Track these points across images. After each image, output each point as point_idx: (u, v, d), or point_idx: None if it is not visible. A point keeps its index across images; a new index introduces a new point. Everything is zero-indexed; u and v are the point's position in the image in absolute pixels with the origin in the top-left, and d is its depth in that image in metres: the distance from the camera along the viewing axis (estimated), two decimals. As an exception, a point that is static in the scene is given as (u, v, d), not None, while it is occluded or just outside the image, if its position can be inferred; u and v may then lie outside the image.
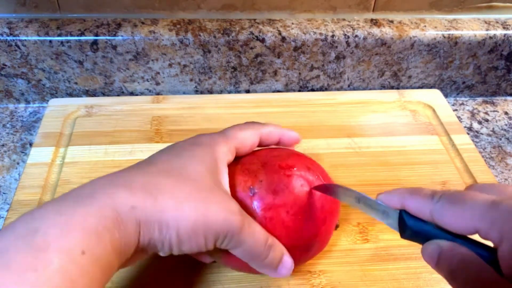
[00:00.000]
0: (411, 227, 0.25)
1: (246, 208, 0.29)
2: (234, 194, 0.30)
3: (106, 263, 0.22)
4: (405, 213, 0.25)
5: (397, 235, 0.37)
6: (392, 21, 0.53)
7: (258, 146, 0.33)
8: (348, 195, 0.29)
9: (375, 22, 0.52)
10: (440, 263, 0.23)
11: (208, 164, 0.28)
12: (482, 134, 0.52)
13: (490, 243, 0.22)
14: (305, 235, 0.31)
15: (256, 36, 0.50)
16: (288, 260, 0.29)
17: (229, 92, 0.55)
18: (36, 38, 0.48)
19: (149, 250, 0.25)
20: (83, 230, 0.21)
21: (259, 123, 0.34)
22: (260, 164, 0.31)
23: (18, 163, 0.46)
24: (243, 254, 0.28)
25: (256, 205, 0.29)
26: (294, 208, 0.30)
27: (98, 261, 0.22)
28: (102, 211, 0.22)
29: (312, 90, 0.56)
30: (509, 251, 0.21)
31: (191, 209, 0.25)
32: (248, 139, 0.32)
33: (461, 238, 0.23)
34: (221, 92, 0.55)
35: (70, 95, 0.53)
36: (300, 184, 0.30)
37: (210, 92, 0.55)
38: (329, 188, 0.31)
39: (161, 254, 0.26)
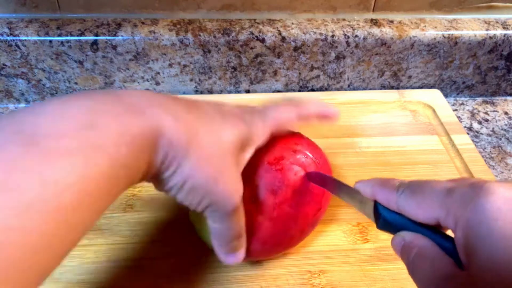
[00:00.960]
0: (384, 217, 0.25)
1: (251, 211, 0.31)
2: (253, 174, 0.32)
3: (132, 176, 0.23)
4: (379, 204, 0.26)
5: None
6: (392, 21, 0.53)
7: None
8: (330, 183, 0.30)
9: (375, 22, 0.52)
10: (402, 255, 0.24)
11: (241, 141, 0.28)
12: (482, 134, 0.53)
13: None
14: (310, 214, 0.33)
15: (256, 36, 0.50)
16: (240, 255, 0.31)
17: (229, 92, 0.55)
18: (36, 38, 0.48)
19: (155, 180, 0.26)
20: (131, 143, 0.22)
21: (297, 103, 0.34)
22: (253, 166, 0.32)
23: (18, 163, 0.46)
24: (217, 228, 0.29)
25: (260, 209, 0.31)
26: (295, 199, 0.32)
27: (129, 173, 0.23)
28: (149, 130, 0.23)
29: (312, 90, 0.56)
30: (463, 237, 0.21)
31: (206, 170, 0.26)
32: (284, 122, 0.33)
33: (430, 230, 0.23)
34: (221, 92, 0.55)
35: (70, 95, 0.53)
36: (293, 173, 0.32)
37: (210, 92, 0.55)
38: (313, 177, 0.32)
39: (158, 189, 0.27)
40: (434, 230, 0.23)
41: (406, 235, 0.24)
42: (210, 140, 0.26)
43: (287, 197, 0.31)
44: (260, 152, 0.32)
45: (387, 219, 0.25)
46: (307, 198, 0.32)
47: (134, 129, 0.23)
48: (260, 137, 0.30)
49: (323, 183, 0.32)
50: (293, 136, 0.34)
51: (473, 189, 0.21)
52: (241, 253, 0.31)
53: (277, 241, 0.33)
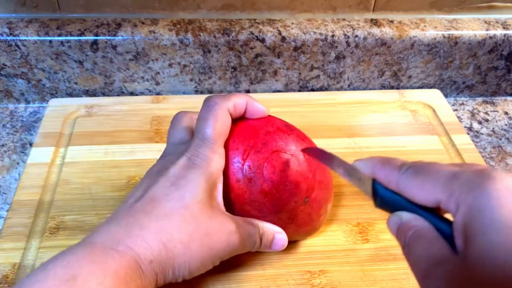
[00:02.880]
0: (382, 195, 0.25)
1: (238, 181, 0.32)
2: (227, 168, 0.32)
3: None
4: (377, 183, 0.25)
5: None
6: (392, 21, 0.53)
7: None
8: (329, 159, 0.29)
9: (375, 22, 0.52)
10: (398, 235, 0.24)
11: (205, 186, 0.30)
12: (482, 134, 0.52)
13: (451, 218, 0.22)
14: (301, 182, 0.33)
15: (256, 36, 0.50)
16: (279, 238, 0.33)
17: (229, 92, 0.55)
18: (36, 38, 0.48)
19: (164, 284, 0.29)
20: (116, 278, 0.25)
21: (231, 95, 0.34)
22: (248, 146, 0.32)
23: (18, 163, 0.46)
24: (241, 252, 0.31)
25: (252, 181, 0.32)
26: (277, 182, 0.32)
27: None
28: (128, 263, 0.26)
29: (312, 90, 0.56)
30: (463, 221, 0.21)
31: (196, 248, 0.28)
32: (238, 109, 0.33)
33: (428, 212, 0.23)
34: (221, 92, 0.55)
35: (70, 95, 0.53)
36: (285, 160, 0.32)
37: (210, 92, 0.55)
38: (313, 152, 0.32)
39: (174, 282, 0.29)
40: (432, 212, 0.23)
41: (404, 215, 0.24)
42: (180, 225, 0.28)
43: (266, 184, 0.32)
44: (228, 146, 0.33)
45: (385, 199, 0.24)
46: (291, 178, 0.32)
47: (115, 269, 0.25)
48: (216, 161, 0.31)
49: (321, 158, 0.31)
50: (279, 127, 0.34)
51: (479, 175, 0.21)
52: (278, 238, 0.33)
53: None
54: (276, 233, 0.33)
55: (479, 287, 0.19)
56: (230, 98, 0.32)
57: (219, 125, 0.31)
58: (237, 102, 0.32)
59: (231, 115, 0.32)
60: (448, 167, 0.23)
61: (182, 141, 0.34)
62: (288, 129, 0.34)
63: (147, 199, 0.29)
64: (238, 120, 0.34)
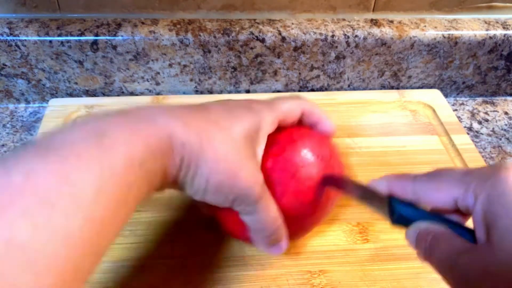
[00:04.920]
0: (398, 211, 0.25)
1: (270, 180, 0.31)
2: (263, 165, 0.31)
3: (151, 181, 0.24)
4: (393, 198, 0.26)
5: (397, 234, 0.37)
6: (392, 21, 0.53)
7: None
8: (345, 185, 0.30)
9: (375, 22, 0.52)
10: (418, 243, 0.24)
11: (252, 131, 0.29)
12: (482, 134, 0.53)
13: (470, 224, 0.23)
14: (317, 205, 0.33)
15: (256, 36, 0.50)
16: (284, 245, 0.32)
17: (229, 92, 0.55)
18: (36, 38, 0.48)
19: (177, 185, 0.27)
20: (144, 146, 0.23)
21: (303, 99, 0.35)
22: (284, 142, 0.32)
23: (18, 163, 0.46)
24: (251, 222, 0.30)
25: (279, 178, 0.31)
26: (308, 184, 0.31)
27: (147, 177, 0.23)
28: (161, 135, 0.24)
29: (312, 90, 0.56)
30: (482, 210, 0.21)
31: (225, 168, 0.27)
32: (291, 113, 0.33)
33: (445, 219, 0.24)
34: (221, 92, 0.55)
35: (70, 95, 0.53)
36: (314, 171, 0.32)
37: (210, 92, 0.55)
38: (330, 180, 0.32)
39: (186, 193, 0.28)
40: (448, 220, 0.24)
41: (421, 224, 0.24)
42: (222, 138, 0.27)
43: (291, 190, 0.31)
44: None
45: (401, 213, 0.25)
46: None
47: (146, 135, 0.24)
48: (269, 124, 0.30)
49: (337, 186, 0.31)
50: (300, 129, 0.34)
51: (492, 168, 0.22)
52: (283, 244, 0.32)
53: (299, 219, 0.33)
54: (284, 239, 0.32)
55: (504, 267, 0.19)
56: (309, 105, 0.34)
57: (288, 107, 0.32)
58: (309, 111, 0.34)
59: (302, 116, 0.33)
60: (458, 169, 0.24)
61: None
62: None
63: (200, 108, 0.29)
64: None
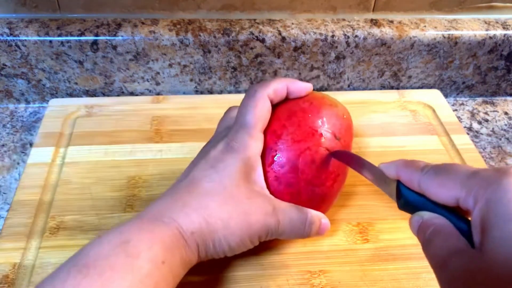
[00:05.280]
0: (405, 196, 0.26)
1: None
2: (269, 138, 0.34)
3: (177, 272, 0.28)
4: (402, 183, 0.26)
5: (397, 234, 0.37)
6: (392, 21, 0.53)
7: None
8: (357, 162, 0.31)
9: (375, 22, 0.52)
10: (419, 233, 0.25)
11: (242, 169, 0.31)
12: (482, 134, 0.53)
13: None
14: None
15: (256, 36, 0.50)
16: (325, 223, 0.34)
17: (229, 92, 0.55)
18: (36, 38, 0.48)
19: (207, 258, 0.31)
20: (163, 245, 0.27)
21: (280, 78, 0.36)
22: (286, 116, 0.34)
23: (18, 163, 0.46)
24: (288, 238, 0.33)
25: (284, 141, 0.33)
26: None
27: (172, 270, 0.27)
28: (173, 233, 0.28)
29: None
30: (480, 215, 0.22)
31: (236, 225, 0.30)
32: (279, 91, 0.34)
33: (449, 211, 0.24)
34: (221, 92, 0.55)
35: (70, 95, 0.53)
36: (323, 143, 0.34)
37: (210, 92, 0.55)
38: (342, 155, 0.34)
39: (217, 257, 0.31)
40: (452, 212, 0.24)
41: (425, 215, 0.25)
42: (220, 201, 0.30)
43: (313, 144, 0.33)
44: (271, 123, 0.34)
45: (408, 199, 0.26)
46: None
47: (161, 236, 0.27)
48: (254, 145, 0.32)
49: (350, 162, 0.33)
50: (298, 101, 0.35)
51: (497, 172, 0.22)
52: (324, 223, 0.34)
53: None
54: (321, 219, 0.34)
55: (494, 276, 0.20)
56: (269, 85, 0.34)
57: (258, 110, 0.32)
58: (277, 87, 0.34)
59: (272, 100, 0.34)
60: (467, 167, 0.24)
61: (227, 128, 0.36)
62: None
63: (189, 180, 0.31)
64: (281, 103, 0.35)
